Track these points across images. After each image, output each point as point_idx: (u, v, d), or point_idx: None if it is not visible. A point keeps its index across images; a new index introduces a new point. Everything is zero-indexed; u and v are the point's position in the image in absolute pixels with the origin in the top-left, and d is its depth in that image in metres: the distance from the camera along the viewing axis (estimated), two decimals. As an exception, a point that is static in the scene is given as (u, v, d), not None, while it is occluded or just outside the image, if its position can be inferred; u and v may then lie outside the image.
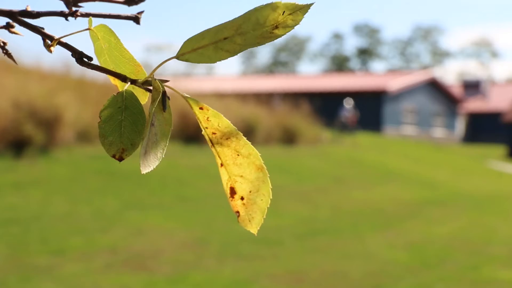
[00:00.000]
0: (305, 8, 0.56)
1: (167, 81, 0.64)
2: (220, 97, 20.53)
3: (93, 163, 12.98)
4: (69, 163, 12.77)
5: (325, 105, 31.08)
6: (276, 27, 0.57)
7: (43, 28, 0.67)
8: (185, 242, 8.37)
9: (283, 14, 0.56)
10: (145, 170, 0.59)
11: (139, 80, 0.59)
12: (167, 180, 12.48)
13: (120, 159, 0.60)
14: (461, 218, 11.83)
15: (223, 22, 0.59)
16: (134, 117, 0.59)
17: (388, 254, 8.32)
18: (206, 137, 0.63)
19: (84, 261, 7.20)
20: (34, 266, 6.89)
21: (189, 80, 29.69)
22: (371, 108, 35.68)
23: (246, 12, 0.58)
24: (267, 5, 0.56)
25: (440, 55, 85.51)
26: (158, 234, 8.68)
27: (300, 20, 0.56)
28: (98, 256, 7.43)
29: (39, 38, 0.71)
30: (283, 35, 0.58)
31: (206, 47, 0.59)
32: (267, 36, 0.57)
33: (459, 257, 8.44)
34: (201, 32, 0.59)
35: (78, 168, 12.52)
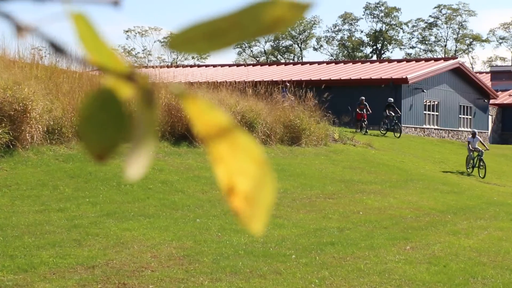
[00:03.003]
0: (305, 6, 0.58)
1: (152, 74, 0.65)
2: (213, 88, 20.53)
3: (66, 165, 12.99)
4: (38, 165, 12.78)
5: (334, 98, 31.06)
6: (275, 21, 0.59)
7: (13, 14, 0.68)
8: (173, 256, 8.39)
9: (282, 9, 0.58)
10: (133, 176, 0.60)
11: (122, 74, 0.61)
12: (151, 185, 12.50)
13: (101, 161, 0.61)
14: (490, 228, 11.85)
15: (217, 12, 0.61)
16: (117, 115, 0.60)
17: (407, 270, 8.34)
18: (200, 133, 0.64)
19: (56, 279, 7.21)
20: (-2, 284, 6.90)
21: (179, 69, 29.71)
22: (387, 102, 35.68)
23: (243, 4, 0.60)
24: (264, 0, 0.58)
25: (467, 39, 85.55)
26: (141, 247, 8.70)
27: (300, 16, 0.58)
28: (72, 273, 7.45)
29: (2, 21, 0.72)
30: (281, 30, 0.60)
31: (199, 37, 0.61)
32: (264, 30, 0.59)
33: (489, 273, 8.46)
34: (194, 22, 0.61)
35: (48, 171, 12.53)
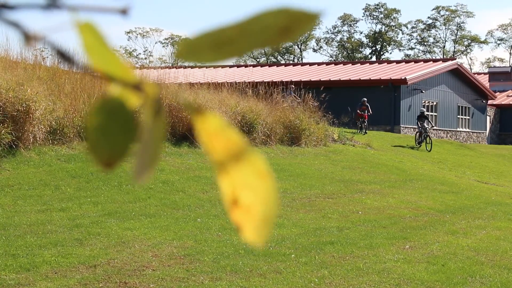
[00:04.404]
0: (314, 16, 0.59)
1: (159, 84, 0.66)
2: (214, 89, 20.52)
3: (67, 165, 12.99)
4: (40, 165, 12.78)
5: (333, 98, 31.08)
6: (283, 32, 0.60)
7: (21, 23, 0.69)
8: (174, 255, 8.40)
9: (290, 19, 0.59)
10: (139, 181, 0.61)
11: (130, 83, 0.61)
12: (152, 185, 12.51)
13: (109, 168, 0.62)
14: (488, 228, 11.86)
15: (224, 21, 0.62)
16: (124, 123, 0.61)
17: (406, 269, 8.35)
18: (207, 146, 0.65)
19: (58, 278, 7.22)
20: (0, 284, 6.90)
21: (180, 69, 29.69)
22: (386, 102, 35.69)
23: (251, 14, 0.61)
24: (274, 9, 0.59)
25: (465, 41, 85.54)
26: (142, 246, 8.71)
27: (308, 28, 0.59)
28: (74, 272, 7.45)
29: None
30: (289, 40, 0.61)
31: (206, 47, 0.62)
32: (272, 40, 0.60)
33: (487, 273, 8.47)
34: (202, 31, 0.62)
35: (50, 171, 12.53)
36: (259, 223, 0.64)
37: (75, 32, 0.65)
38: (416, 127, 29.20)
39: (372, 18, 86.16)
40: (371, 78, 36.76)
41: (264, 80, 30.15)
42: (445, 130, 40.38)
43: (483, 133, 44.73)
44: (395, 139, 29.72)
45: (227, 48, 0.62)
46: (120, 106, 0.62)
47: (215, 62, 0.63)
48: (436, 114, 39.62)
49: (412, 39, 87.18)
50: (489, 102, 45.87)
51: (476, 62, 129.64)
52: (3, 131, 12.54)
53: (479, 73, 57.42)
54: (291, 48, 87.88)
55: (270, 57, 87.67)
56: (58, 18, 0.71)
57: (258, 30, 0.61)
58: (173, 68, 33.91)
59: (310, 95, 23.23)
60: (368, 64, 44.67)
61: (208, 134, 0.62)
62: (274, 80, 30.33)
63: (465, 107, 42.76)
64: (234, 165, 0.63)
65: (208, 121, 0.62)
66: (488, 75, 53.76)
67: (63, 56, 0.68)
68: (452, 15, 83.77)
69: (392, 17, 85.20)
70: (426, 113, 29.87)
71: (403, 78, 35.62)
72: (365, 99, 31.34)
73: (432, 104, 39.38)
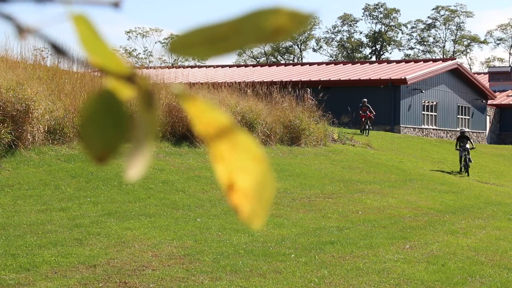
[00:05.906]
0: (306, 16, 0.59)
1: (153, 75, 0.65)
2: (213, 89, 20.53)
3: (67, 165, 12.99)
4: (40, 164, 12.78)
5: (333, 98, 31.07)
6: (276, 31, 0.60)
7: (14, 15, 0.68)
8: (174, 255, 8.39)
9: (283, 19, 0.59)
10: (133, 176, 0.60)
11: (123, 76, 0.61)
12: (152, 184, 12.50)
13: (102, 162, 0.61)
14: (488, 228, 11.86)
15: (218, 17, 0.62)
16: (117, 117, 0.60)
17: (406, 269, 8.34)
18: (200, 132, 0.65)
19: (58, 278, 7.21)
20: (0, 284, 6.90)
21: (180, 69, 29.69)
22: (386, 102, 35.68)
23: (245, 12, 0.61)
24: (267, 8, 0.59)
25: (465, 40, 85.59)
26: (142, 246, 8.70)
27: (301, 27, 0.59)
28: (74, 272, 7.45)
29: (5, 23, 0.71)
30: (282, 39, 0.61)
31: (199, 42, 0.62)
32: (265, 38, 0.60)
33: (487, 272, 8.46)
34: (195, 27, 0.61)
35: (50, 171, 12.52)
36: (257, 205, 0.64)
37: (69, 23, 0.64)
38: (459, 149, 23.69)
39: (372, 18, 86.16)
40: (371, 78, 36.74)
41: (264, 80, 30.14)
42: (445, 130, 40.36)
43: (483, 133, 44.74)
44: (395, 139, 29.71)
45: (220, 44, 0.62)
46: (113, 99, 0.61)
47: (209, 57, 0.63)
48: (436, 114, 39.61)
49: (412, 39, 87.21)
50: (489, 102, 45.86)
51: (476, 62, 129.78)
52: (3, 131, 12.53)
53: (479, 73, 57.41)
54: (291, 48, 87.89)
55: (270, 57, 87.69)
56: (51, 10, 0.70)
57: (251, 28, 0.61)
58: (173, 68, 33.91)
59: (308, 95, 23.22)
60: (368, 64, 44.63)
61: (197, 116, 0.62)
62: (274, 80, 30.32)
63: (465, 107, 42.75)
64: (229, 149, 0.63)
65: (198, 106, 0.62)
66: (488, 75, 53.76)
67: (56, 49, 0.67)
68: (452, 15, 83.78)
69: (391, 17, 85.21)
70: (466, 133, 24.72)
71: (403, 78, 35.61)
72: (365, 99, 31.23)
73: (432, 104, 39.37)
